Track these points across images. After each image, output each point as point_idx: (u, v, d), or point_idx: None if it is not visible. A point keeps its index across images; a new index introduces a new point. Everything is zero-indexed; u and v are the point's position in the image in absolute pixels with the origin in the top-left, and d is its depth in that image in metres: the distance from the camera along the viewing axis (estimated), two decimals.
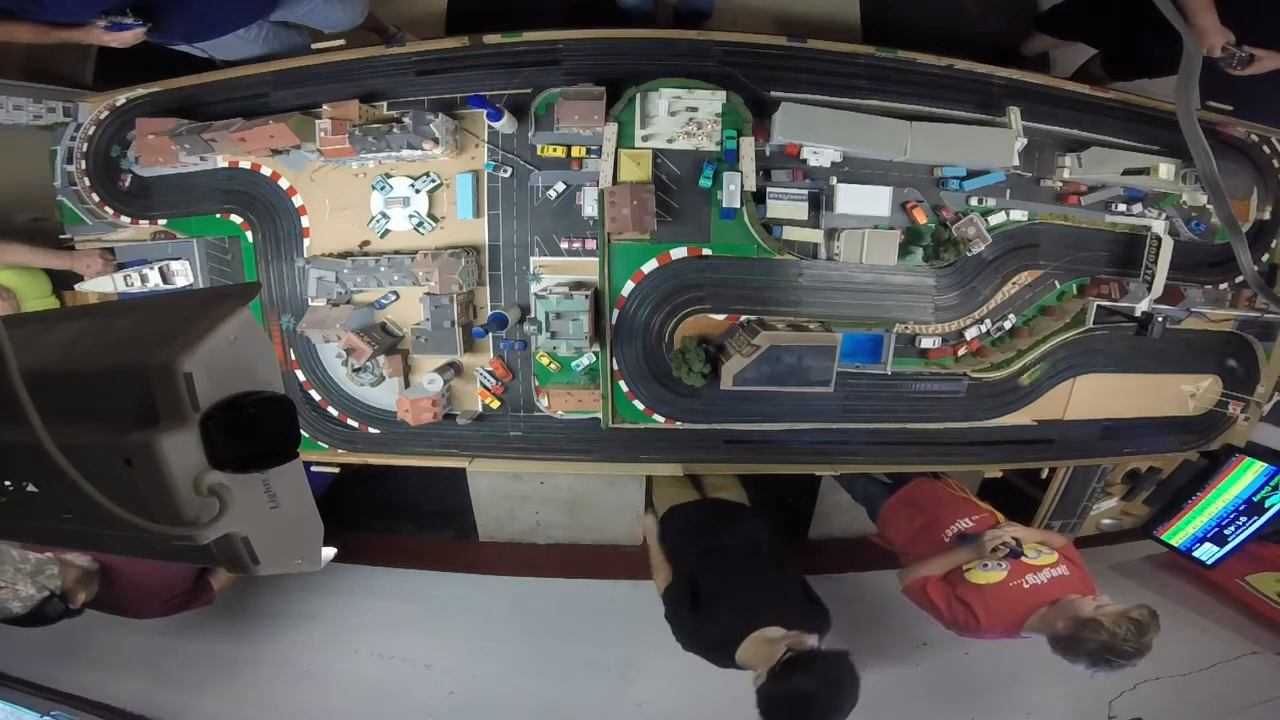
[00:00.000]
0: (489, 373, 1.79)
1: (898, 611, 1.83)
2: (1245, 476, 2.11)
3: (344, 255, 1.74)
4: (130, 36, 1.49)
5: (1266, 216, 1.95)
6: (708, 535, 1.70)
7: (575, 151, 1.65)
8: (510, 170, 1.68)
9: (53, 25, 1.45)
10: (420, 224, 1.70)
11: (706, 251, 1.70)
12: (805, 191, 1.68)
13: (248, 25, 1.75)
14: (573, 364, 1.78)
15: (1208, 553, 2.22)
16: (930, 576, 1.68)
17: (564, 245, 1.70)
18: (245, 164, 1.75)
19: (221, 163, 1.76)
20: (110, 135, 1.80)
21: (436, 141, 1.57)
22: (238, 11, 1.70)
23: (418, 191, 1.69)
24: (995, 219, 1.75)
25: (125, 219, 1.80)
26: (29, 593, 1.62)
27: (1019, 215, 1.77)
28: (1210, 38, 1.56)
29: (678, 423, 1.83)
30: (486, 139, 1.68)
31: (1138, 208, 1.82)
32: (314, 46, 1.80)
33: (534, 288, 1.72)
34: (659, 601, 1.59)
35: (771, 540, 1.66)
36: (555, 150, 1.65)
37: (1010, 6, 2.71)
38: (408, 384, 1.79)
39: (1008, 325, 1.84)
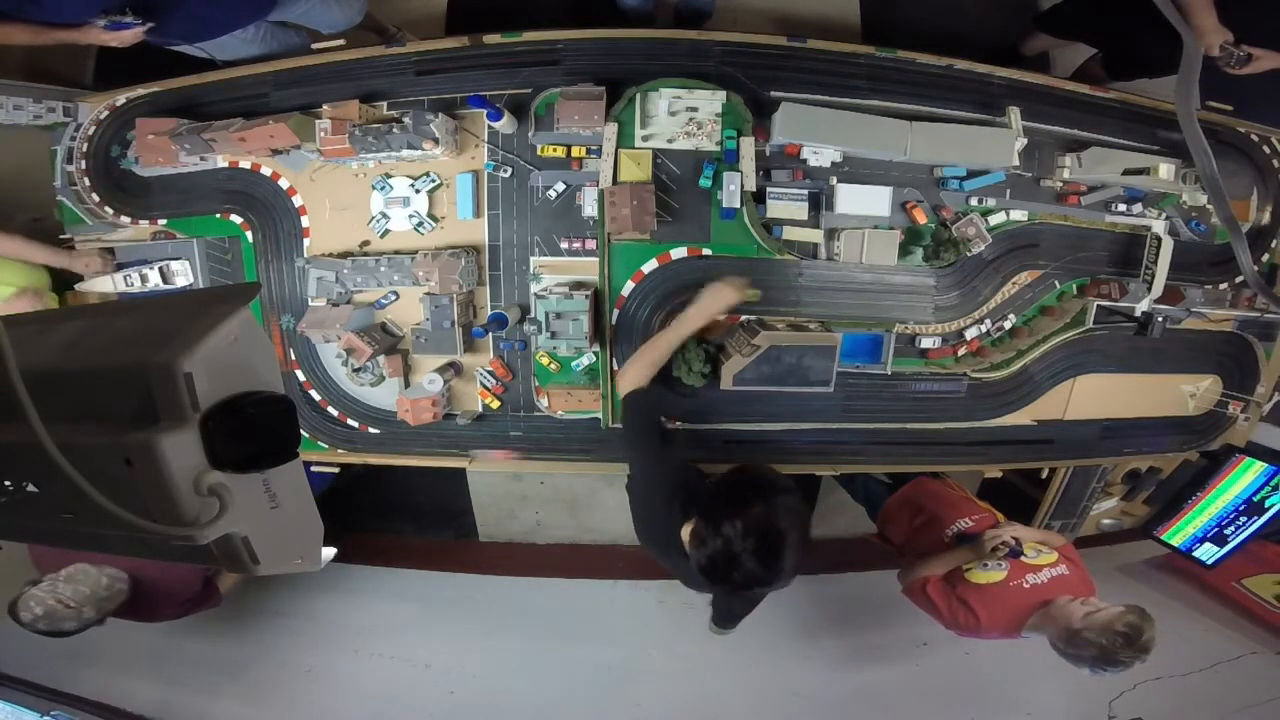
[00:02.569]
0: (489, 373, 1.79)
1: (898, 611, 1.83)
2: (1245, 476, 2.11)
3: (344, 255, 1.74)
4: (130, 36, 1.49)
5: (1266, 220, 1.95)
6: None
7: (575, 151, 1.65)
8: (510, 170, 1.68)
9: (49, 26, 1.45)
10: (420, 224, 1.70)
11: (706, 251, 1.70)
12: (805, 191, 1.68)
13: (246, 25, 1.75)
14: (573, 364, 1.78)
15: (1208, 553, 2.22)
16: (930, 576, 1.68)
17: (564, 245, 1.70)
18: (245, 164, 1.75)
19: (221, 163, 1.76)
20: (110, 135, 1.80)
21: (436, 141, 1.57)
22: (236, 11, 1.70)
23: (418, 191, 1.69)
24: (995, 219, 1.75)
25: (125, 219, 1.80)
26: (89, 615, 1.63)
27: (1019, 215, 1.77)
28: (1208, 37, 1.57)
29: (678, 423, 1.83)
30: (486, 139, 1.68)
31: (1138, 208, 1.82)
32: (314, 46, 1.80)
33: (534, 288, 1.72)
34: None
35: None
36: (555, 150, 1.65)
37: (1010, 6, 2.71)
38: (408, 384, 1.79)
39: (1008, 325, 1.84)
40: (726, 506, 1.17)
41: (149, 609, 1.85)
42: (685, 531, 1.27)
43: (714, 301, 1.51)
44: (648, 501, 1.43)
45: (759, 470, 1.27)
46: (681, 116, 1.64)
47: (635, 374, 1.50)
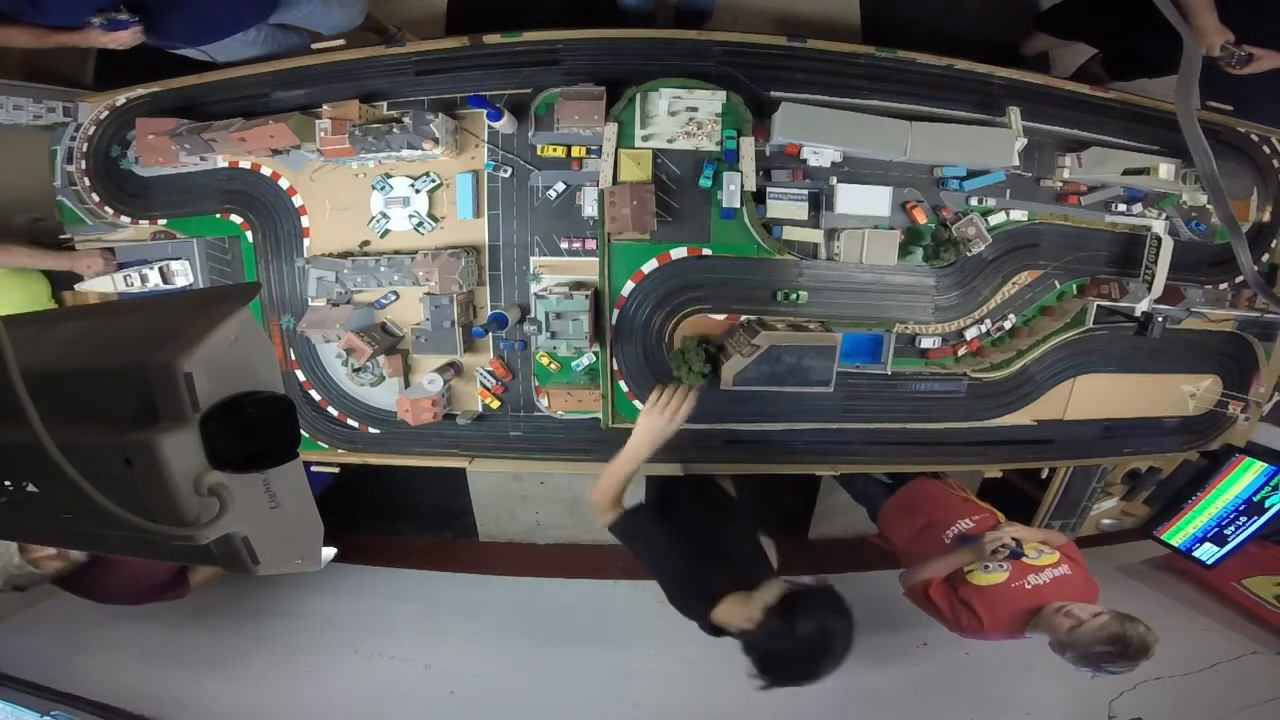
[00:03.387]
0: (489, 373, 1.79)
1: (898, 611, 1.82)
2: (1245, 476, 2.11)
3: (344, 255, 1.74)
4: (128, 36, 1.49)
5: (1266, 218, 1.95)
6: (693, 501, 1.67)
7: (575, 151, 1.65)
8: (510, 170, 1.68)
9: (50, 29, 1.45)
10: (420, 224, 1.70)
11: (706, 251, 1.70)
12: (805, 191, 1.68)
13: (247, 28, 1.75)
14: (573, 364, 1.78)
15: (1208, 553, 2.22)
16: (932, 579, 1.68)
17: (564, 245, 1.70)
18: (245, 164, 1.75)
19: (221, 163, 1.76)
20: (110, 135, 1.80)
21: (436, 141, 1.57)
22: (237, 13, 1.70)
23: (418, 191, 1.69)
24: (995, 219, 1.75)
25: (125, 219, 1.80)
26: None
27: (1019, 215, 1.77)
28: (1209, 37, 1.57)
29: None
30: (486, 139, 1.68)
31: (1138, 208, 1.82)
32: (314, 46, 1.80)
33: (534, 288, 1.72)
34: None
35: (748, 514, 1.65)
36: (555, 150, 1.65)
37: (1010, 6, 2.71)
38: (408, 384, 1.79)
39: (1008, 325, 1.84)
40: (789, 615, 1.23)
41: (105, 590, 1.82)
42: (722, 610, 1.30)
43: (649, 436, 1.44)
44: (677, 585, 1.43)
45: (822, 588, 1.31)
46: (681, 116, 1.64)
47: (604, 505, 1.44)
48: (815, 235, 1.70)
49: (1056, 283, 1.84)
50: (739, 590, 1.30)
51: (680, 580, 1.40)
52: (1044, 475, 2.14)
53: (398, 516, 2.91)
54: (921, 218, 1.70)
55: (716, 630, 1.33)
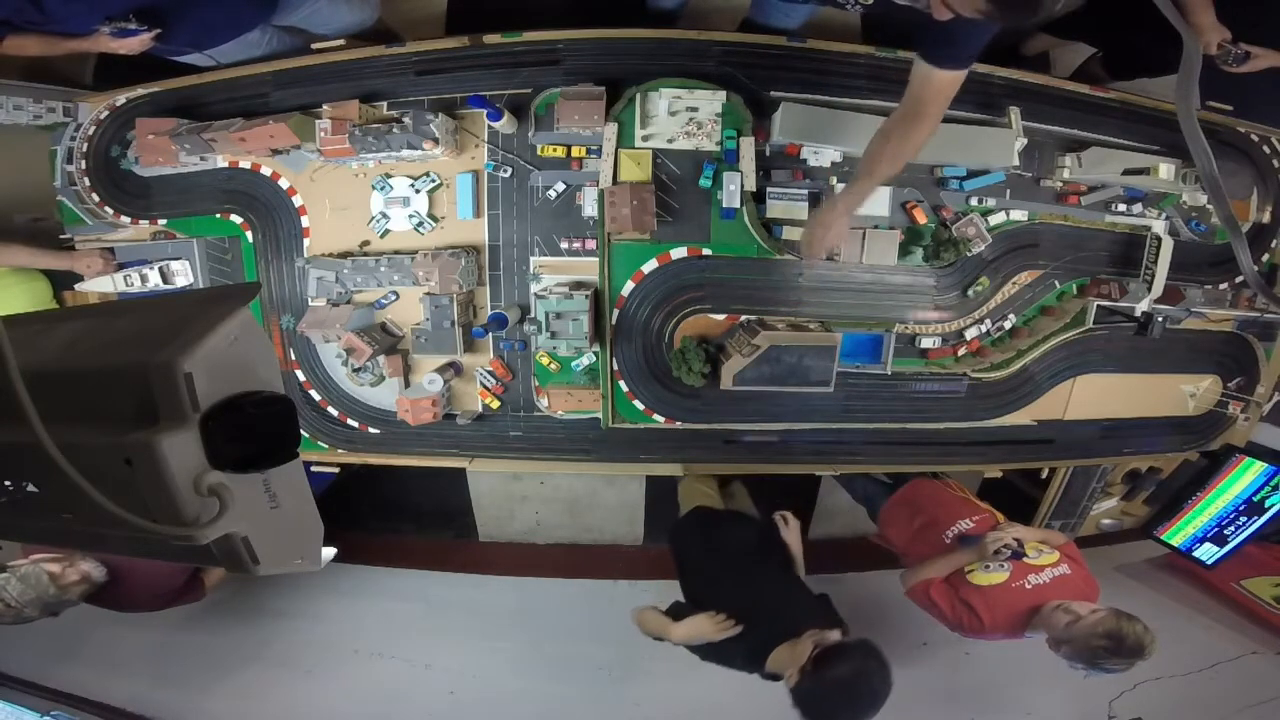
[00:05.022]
0: (489, 373, 1.79)
1: (898, 611, 1.83)
2: (1245, 476, 2.11)
3: (344, 255, 1.74)
4: (138, 43, 1.50)
5: (1266, 219, 1.95)
6: (717, 536, 1.72)
7: (575, 151, 1.65)
8: (510, 170, 1.68)
9: (60, 36, 1.46)
10: (420, 224, 1.70)
11: (706, 251, 1.70)
12: (805, 191, 1.69)
13: (248, 30, 1.75)
14: (573, 364, 1.78)
15: (1208, 553, 2.22)
16: (933, 579, 1.68)
17: (564, 245, 1.70)
18: (245, 164, 1.75)
19: (221, 163, 1.76)
20: (110, 135, 1.80)
21: (436, 141, 1.57)
22: (237, 16, 1.70)
23: (418, 191, 1.69)
24: (995, 219, 1.75)
25: (125, 219, 1.80)
26: (30, 614, 1.62)
27: (1019, 215, 1.77)
28: (1206, 34, 1.57)
29: (678, 423, 1.83)
30: (486, 139, 1.68)
31: (1138, 208, 1.82)
32: (314, 46, 1.80)
33: (534, 288, 1.72)
34: (659, 600, 1.58)
35: (778, 545, 1.69)
36: (555, 150, 1.65)
37: None
38: (408, 384, 1.79)
39: (1008, 325, 1.84)
40: (824, 666, 1.30)
41: (127, 600, 1.83)
42: (773, 661, 1.38)
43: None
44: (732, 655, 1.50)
45: (854, 642, 1.38)
46: (681, 116, 1.64)
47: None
48: None
49: (1056, 283, 1.84)
50: (786, 640, 1.38)
51: (734, 651, 1.46)
52: (1044, 475, 2.14)
53: (398, 516, 2.91)
54: (921, 218, 1.70)
55: (774, 677, 1.39)
